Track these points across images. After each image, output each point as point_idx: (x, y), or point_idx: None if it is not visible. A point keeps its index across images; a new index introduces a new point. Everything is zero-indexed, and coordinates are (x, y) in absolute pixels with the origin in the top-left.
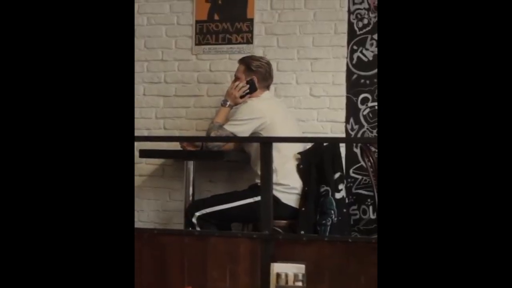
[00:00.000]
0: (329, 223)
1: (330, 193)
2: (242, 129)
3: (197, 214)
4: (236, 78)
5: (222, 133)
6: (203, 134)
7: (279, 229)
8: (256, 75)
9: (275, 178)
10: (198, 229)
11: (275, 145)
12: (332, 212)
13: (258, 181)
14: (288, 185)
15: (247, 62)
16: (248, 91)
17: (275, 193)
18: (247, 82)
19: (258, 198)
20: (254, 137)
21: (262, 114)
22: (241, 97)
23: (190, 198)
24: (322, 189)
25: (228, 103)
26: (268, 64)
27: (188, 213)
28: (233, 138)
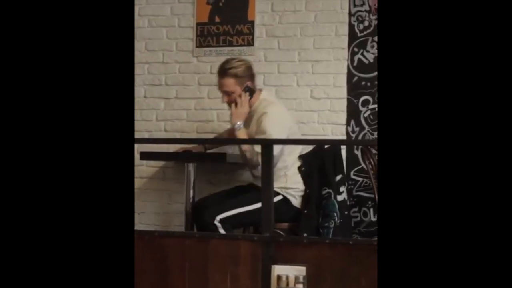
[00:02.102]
0: (332, 226)
1: (332, 196)
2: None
3: (219, 217)
4: (228, 94)
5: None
6: (204, 136)
7: (280, 231)
8: (246, 78)
9: (285, 182)
10: (222, 231)
11: (286, 148)
12: (335, 214)
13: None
14: (297, 188)
15: (232, 73)
16: (250, 98)
17: (286, 195)
18: (245, 91)
19: (278, 198)
20: (254, 139)
21: (286, 118)
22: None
23: (191, 200)
24: (324, 192)
25: (241, 124)
26: (245, 59)
27: (205, 215)
28: (233, 140)
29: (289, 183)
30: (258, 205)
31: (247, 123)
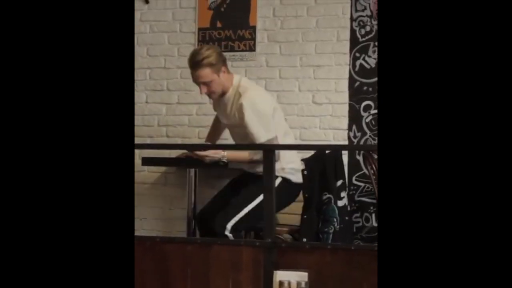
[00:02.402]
0: (331, 231)
1: (332, 201)
2: (270, 128)
3: (230, 225)
4: (206, 84)
5: (258, 154)
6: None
7: (281, 237)
8: (221, 64)
9: (280, 164)
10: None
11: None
12: (335, 220)
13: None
14: (293, 167)
15: (206, 63)
16: None
17: (285, 175)
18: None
19: (277, 181)
20: (255, 145)
21: (265, 102)
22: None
23: (193, 206)
24: (324, 197)
25: (224, 155)
26: (211, 46)
27: (215, 226)
28: (234, 146)
29: (284, 163)
30: (261, 196)
31: (220, 108)
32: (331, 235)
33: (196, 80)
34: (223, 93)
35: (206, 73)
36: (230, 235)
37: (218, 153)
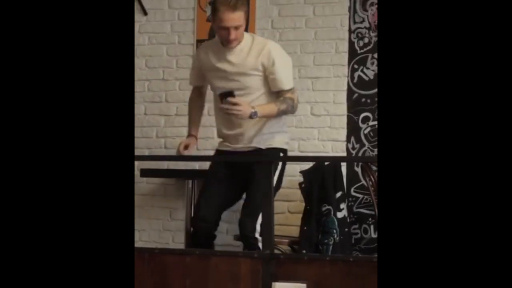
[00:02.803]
0: (331, 243)
1: (332, 212)
2: (291, 79)
3: (258, 234)
4: (236, 29)
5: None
6: (205, 153)
7: (280, 248)
8: (247, 11)
9: (272, 140)
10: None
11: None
12: (334, 231)
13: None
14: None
15: (243, 7)
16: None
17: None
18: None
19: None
20: (255, 158)
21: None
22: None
23: (191, 217)
24: (324, 208)
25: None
26: None
27: (244, 230)
28: (235, 158)
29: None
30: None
31: (225, 59)
32: (330, 247)
33: (227, 23)
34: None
35: (240, 16)
36: (260, 238)
37: (248, 108)
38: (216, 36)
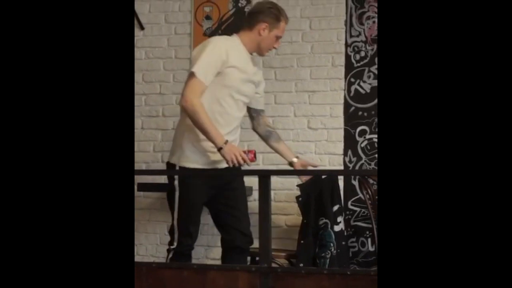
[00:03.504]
0: (328, 256)
1: (329, 226)
2: None
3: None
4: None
5: None
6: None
7: (278, 262)
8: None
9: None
10: None
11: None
12: (332, 244)
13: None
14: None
15: (286, 17)
16: None
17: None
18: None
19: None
20: (252, 170)
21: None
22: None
23: None
24: (321, 222)
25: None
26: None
27: (245, 235)
28: (233, 169)
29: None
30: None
31: (249, 68)
32: (328, 260)
33: (278, 33)
34: None
35: (283, 26)
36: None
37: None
38: (232, 36)
